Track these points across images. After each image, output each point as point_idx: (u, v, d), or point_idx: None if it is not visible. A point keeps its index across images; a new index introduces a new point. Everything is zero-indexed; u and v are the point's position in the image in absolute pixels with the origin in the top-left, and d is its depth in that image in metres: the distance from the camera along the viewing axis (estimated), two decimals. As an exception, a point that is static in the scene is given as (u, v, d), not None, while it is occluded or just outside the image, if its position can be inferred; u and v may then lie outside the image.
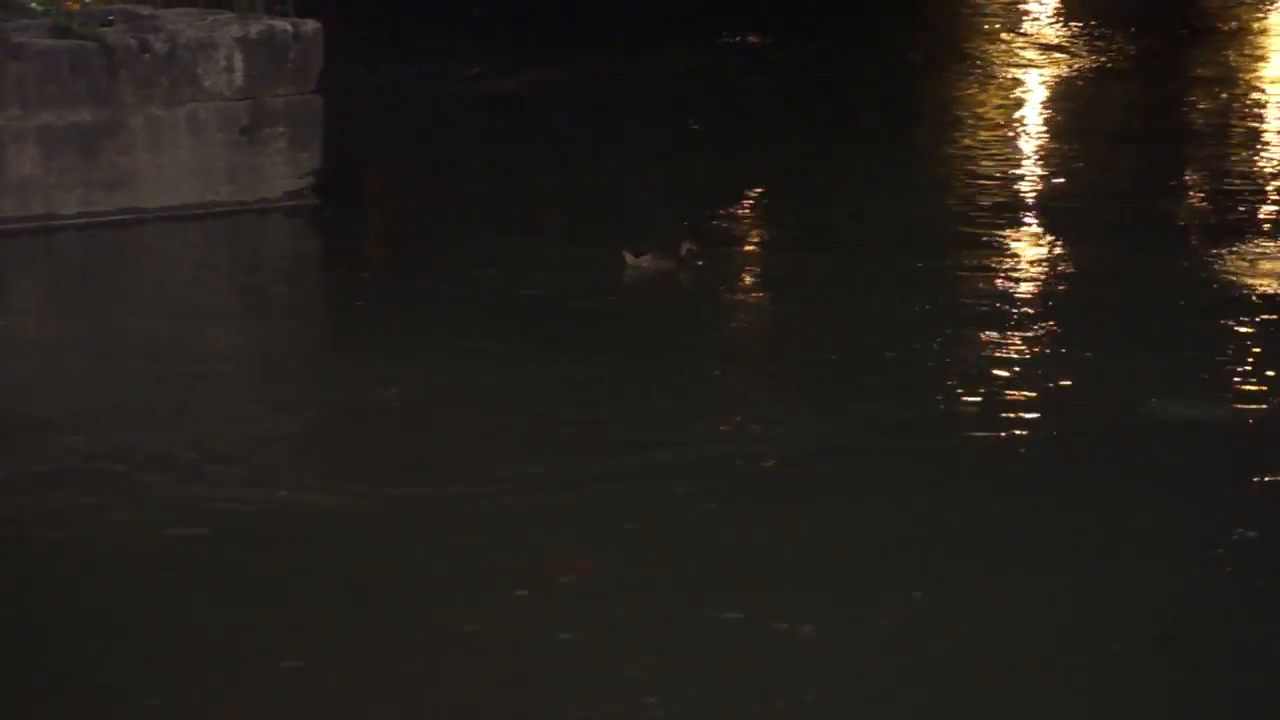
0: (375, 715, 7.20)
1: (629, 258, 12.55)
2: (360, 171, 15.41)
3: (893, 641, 7.72)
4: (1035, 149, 16.33)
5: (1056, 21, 23.40)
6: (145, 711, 7.22)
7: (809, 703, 7.31)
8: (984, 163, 15.59)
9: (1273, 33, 23.07)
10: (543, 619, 7.83)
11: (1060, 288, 12.31)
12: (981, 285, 12.28)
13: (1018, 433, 9.96)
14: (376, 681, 7.37)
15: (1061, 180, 15.28)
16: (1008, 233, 13.44)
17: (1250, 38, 22.78)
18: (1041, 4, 24.85)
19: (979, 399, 10.30)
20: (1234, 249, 13.18)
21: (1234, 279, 12.58)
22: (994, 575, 8.33)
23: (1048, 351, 11.05)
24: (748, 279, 12.85)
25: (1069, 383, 10.53)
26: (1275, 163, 15.85)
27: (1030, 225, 13.76)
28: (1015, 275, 12.59)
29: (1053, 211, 14.21)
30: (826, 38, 21.60)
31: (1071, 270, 12.75)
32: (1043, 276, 12.63)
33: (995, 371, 10.71)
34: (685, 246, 12.72)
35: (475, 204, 14.94)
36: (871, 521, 8.85)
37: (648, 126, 17.03)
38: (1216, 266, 12.86)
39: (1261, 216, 14.12)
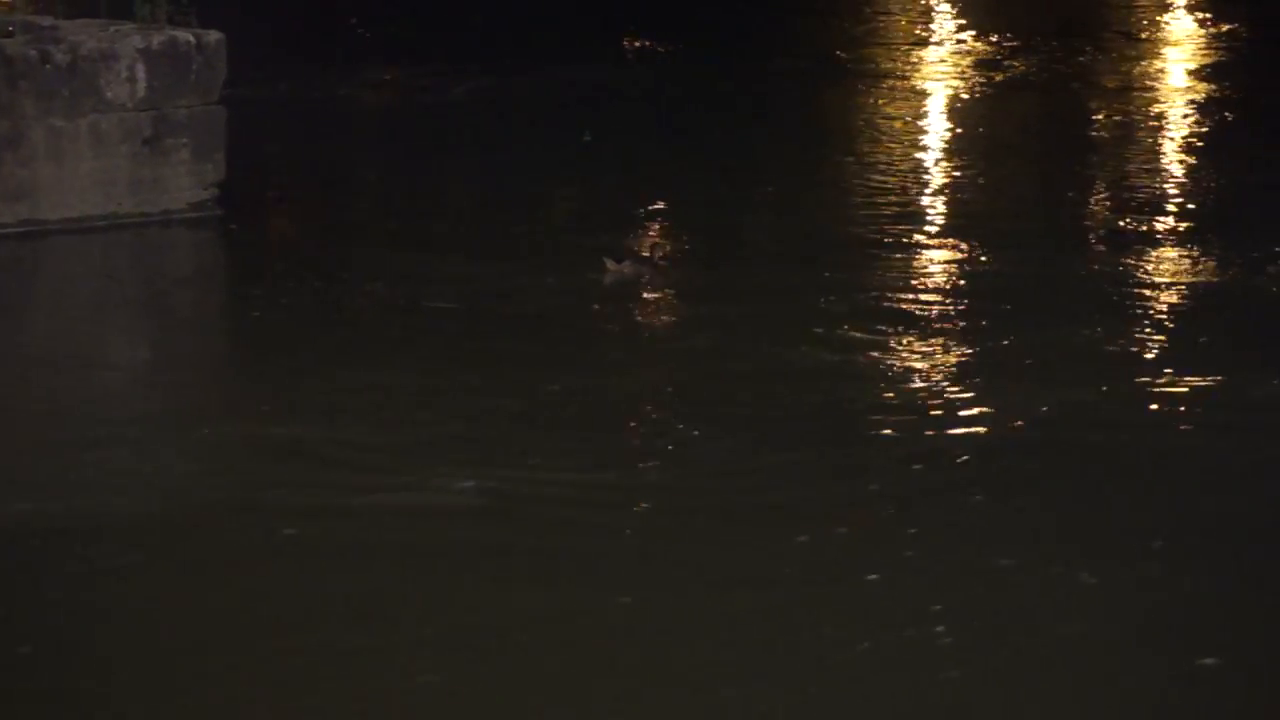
0: None
1: (609, 264, 12.73)
2: (266, 183, 15.34)
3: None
4: (940, 159, 16.46)
5: (962, 32, 23.68)
6: None
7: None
8: (889, 172, 15.70)
9: (1176, 42, 23.36)
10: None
11: (962, 295, 12.39)
12: (887, 293, 12.37)
13: (942, 436, 10.13)
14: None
15: (966, 190, 15.38)
16: (912, 241, 13.53)
17: (1154, 47, 23.06)
18: (948, 15, 25.16)
19: (892, 400, 10.45)
20: (1135, 256, 13.39)
21: (1133, 284, 12.73)
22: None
23: (952, 357, 11.20)
24: (657, 291, 12.88)
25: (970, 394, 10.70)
26: (1176, 173, 16.05)
27: (933, 234, 13.82)
28: (918, 283, 12.68)
29: (956, 220, 14.29)
30: (729, 47, 21.79)
31: (975, 278, 12.81)
32: (944, 284, 12.71)
33: (904, 374, 10.85)
34: (656, 250, 13.01)
35: (379, 217, 14.94)
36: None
37: (553, 138, 17.04)
38: (1117, 272, 13.03)
39: (1160, 225, 14.29)
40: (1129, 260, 13.24)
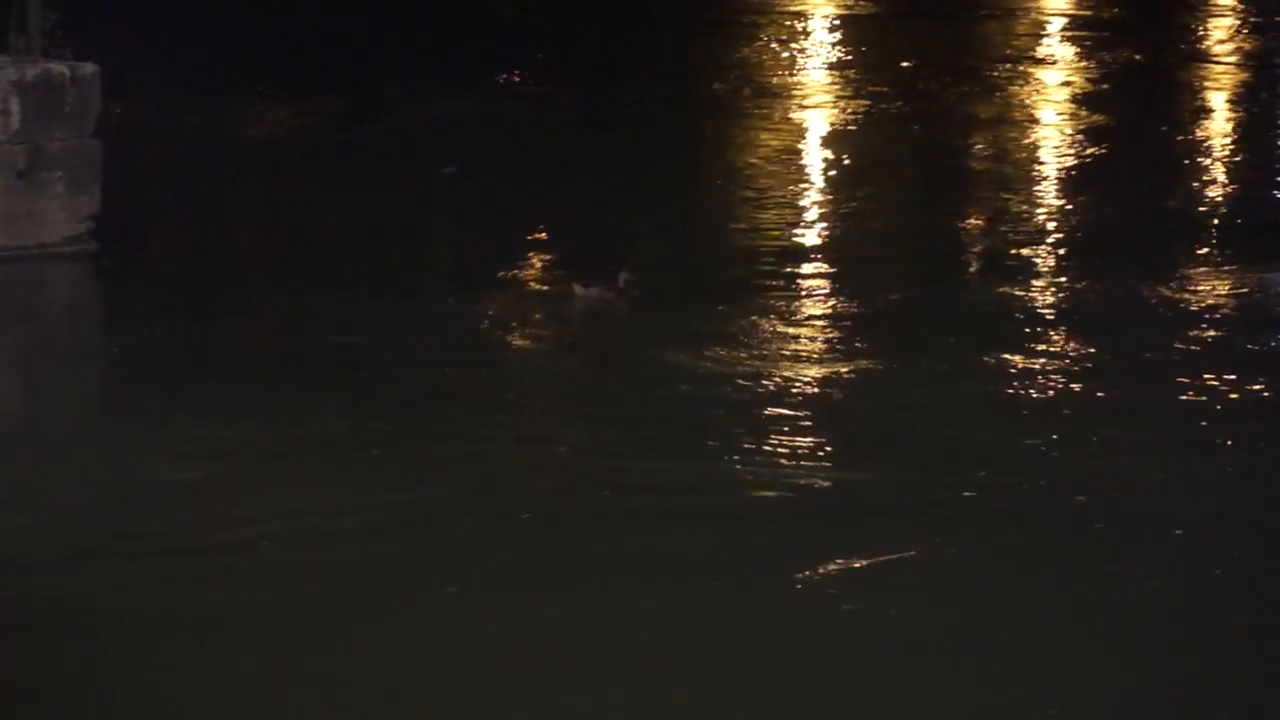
0: None
1: (578, 289, 12.83)
2: (143, 216, 15.17)
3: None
4: (819, 188, 16.54)
5: (839, 63, 23.87)
6: None
7: None
8: (766, 203, 15.75)
9: (1050, 71, 23.61)
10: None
11: (841, 328, 12.47)
12: (765, 328, 12.39)
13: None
14: None
15: (844, 220, 15.46)
16: (790, 276, 13.58)
17: (1029, 76, 23.31)
18: (827, 45, 25.33)
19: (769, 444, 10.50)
20: (1014, 285, 13.54)
21: (1014, 311, 12.89)
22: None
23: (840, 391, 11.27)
24: (536, 326, 12.86)
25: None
26: (1053, 202, 16.19)
27: (812, 268, 13.89)
28: (796, 318, 12.71)
29: (835, 253, 14.36)
30: (602, 80, 21.85)
31: (854, 311, 12.88)
32: (826, 313, 12.81)
33: (781, 413, 10.91)
34: (623, 277, 13.00)
35: (258, 251, 14.88)
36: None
37: (429, 169, 16.98)
38: (995, 301, 13.17)
39: (1039, 254, 14.43)
40: (1007, 289, 13.44)
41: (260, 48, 24.48)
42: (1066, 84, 22.77)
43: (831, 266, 13.81)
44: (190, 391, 11.10)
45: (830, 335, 12.22)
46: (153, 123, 17.77)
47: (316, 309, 12.62)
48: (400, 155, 17.75)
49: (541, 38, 25.36)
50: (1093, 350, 12.01)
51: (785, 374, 11.49)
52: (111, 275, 13.58)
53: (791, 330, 12.29)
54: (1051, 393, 11.26)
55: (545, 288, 13.31)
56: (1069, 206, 15.91)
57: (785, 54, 24.62)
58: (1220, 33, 29.05)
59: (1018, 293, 13.27)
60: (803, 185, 16.65)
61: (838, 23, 28.64)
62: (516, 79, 22.16)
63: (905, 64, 24.03)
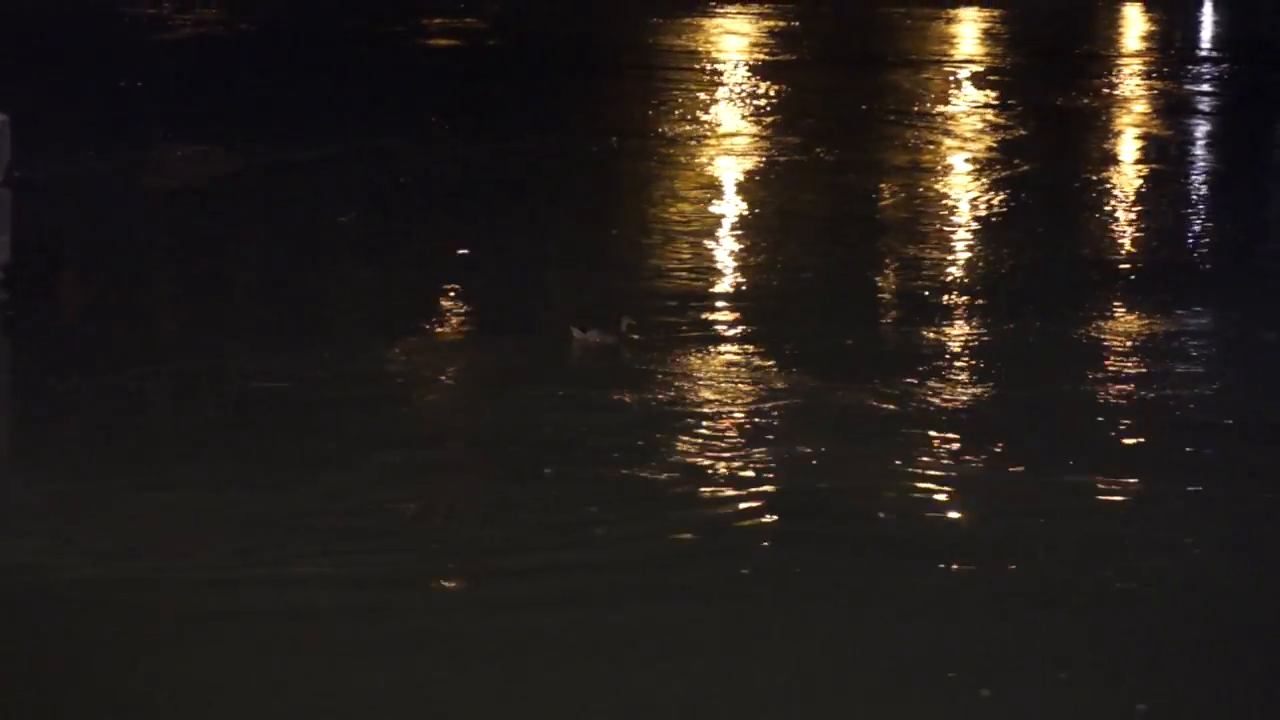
0: None
1: (575, 332, 12.78)
2: (54, 265, 15.05)
3: None
4: (732, 239, 16.56)
5: (756, 110, 23.98)
6: None
7: None
8: (680, 252, 15.74)
9: (963, 119, 23.79)
10: None
11: (748, 380, 12.48)
12: (674, 372, 12.36)
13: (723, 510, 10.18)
14: None
15: (752, 268, 15.51)
16: (704, 322, 13.54)
17: (942, 124, 23.50)
18: (741, 94, 25.44)
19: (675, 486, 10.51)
20: (926, 326, 13.62)
21: (926, 352, 12.92)
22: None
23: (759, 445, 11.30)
24: (450, 370, 12.82)
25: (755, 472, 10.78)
26: (962, 248, 16.27)
27: (725, 314, 13.88)
28: (700, 372, 12.67)
29: (747, 299, 14.36)
30: (513, 127, 21.87)
31: (760, 358, 12.84)
32: (736, 362, 12.77)
33: (689, 461, 10.92)
34: (625, 322, 12.96)
35: (167, 301, 14.73)
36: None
37: (335, 218, 16.88)
38: (907, 342, 13.24)
39: (950, 299, 14.52)
40: (924, 331, 13.51)
41: (169, 98, 24.46)
42: (978, 132, 23.10)
43: (743, 312, 13.80)
44: (105, 442, 10.98)
45: (743, 379, 12.23)
46: (63, 172, 17.73)
47: (219, 360, 12.49)
48: (306, 203, 17.68)
49: (451, 86, 25.46)
50: (998, 389, 12.10)
51: (711, 411, 11.53)
52: (18, 326, 13.36)
53: (709, 371, 12.31)
54: (953, 426, 11.36)
55: (457, 334, 13.31)
56: (981, 252, 16.00)
57: (703, 102, 24.79)
58: (1129, 81, 29.54)
59: (930, 334, 13.36)
60: (717, 233, 16.62)
61: (755, 70, 28.88)
62: (431, 123, 22.29)
63: (821, 111, 24.27)
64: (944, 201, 18.24)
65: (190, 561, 9.29)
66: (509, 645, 8.63)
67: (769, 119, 23.15)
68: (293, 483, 10.20)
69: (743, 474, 10.50)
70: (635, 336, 12.86)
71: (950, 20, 39.58)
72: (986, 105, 25.02)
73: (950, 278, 15.02)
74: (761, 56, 30.46)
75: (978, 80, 27.67)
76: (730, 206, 17.82)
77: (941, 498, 10.29)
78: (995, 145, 21.64)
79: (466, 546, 9.58)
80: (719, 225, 16.93)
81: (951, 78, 27.86)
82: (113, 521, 9.71)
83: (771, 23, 37.27)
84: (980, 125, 23.21)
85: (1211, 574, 9.48)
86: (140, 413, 11.61)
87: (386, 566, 9.28)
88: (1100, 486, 10.58)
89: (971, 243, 16.30)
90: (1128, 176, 19.85)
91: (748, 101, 24.59)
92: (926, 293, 14.52)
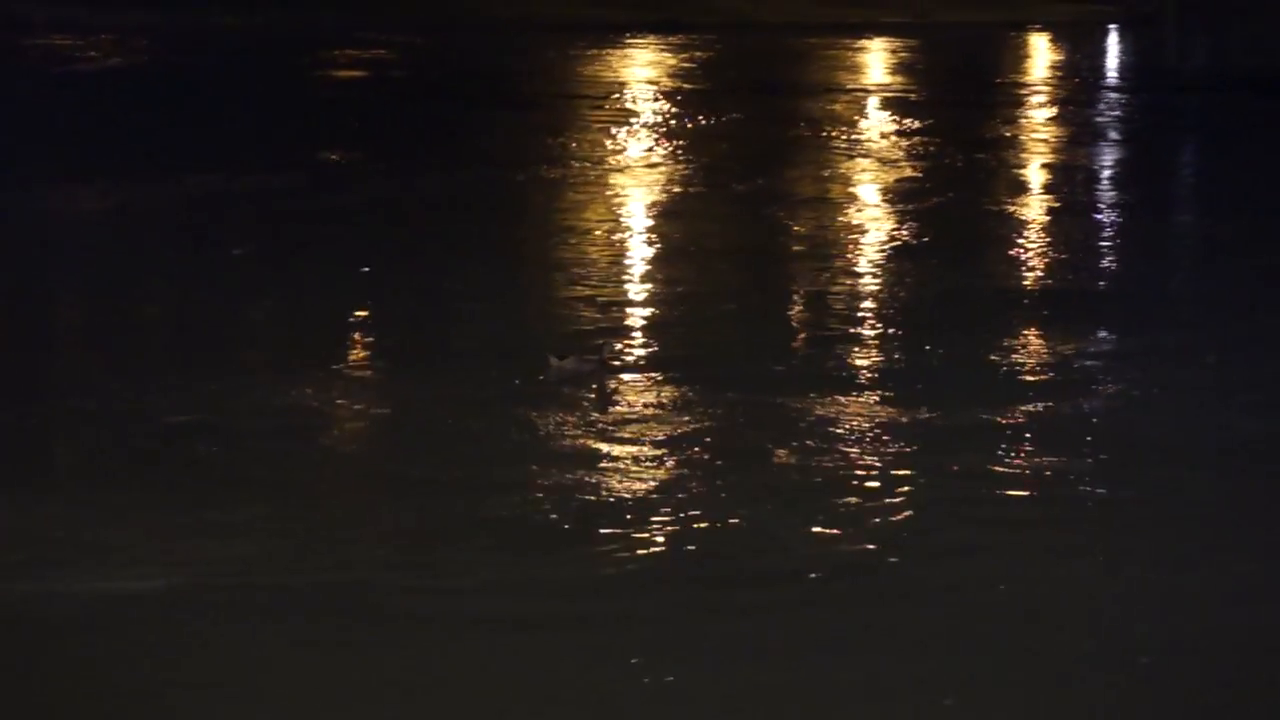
0: None
1: (552, 360, 12.64)
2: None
3: None
4: (643, 273, 16.49)
5: (668, 141, 24.05)
6: None
7: None
8: (589, 285, 15.63)
9: (876, 148, 23.95)
10: None
11: (659, 411, 12.47)
12: (585, 406, 12.28)
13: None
14: None
15: (666, 299, 15.50)
16: (615, 353, 13.49)
17: (851, 154, 23.62)
18: (652, 124, 25.52)
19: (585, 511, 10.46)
20: (835, 355, 13.65)
21: (837, 380, 12.86)
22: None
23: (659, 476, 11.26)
24: (360, 404, 12.75)
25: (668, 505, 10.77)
26: (878, 280, 16.30)
27: (638, 349, 13.81)
28: (622, 403, 12.62)
29: (658, 331, 14.33)
30: (420, 160, 21.83)
31: (671, 393, 12.78)
32: (642, 399, 12.76)
33: (590, 482, 10.89)
34: (607, 349, 12.95)
35: (74, 335, 14.55)
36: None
37: (242, 249, 16.77)
38: (820, 370, 13.18)
39: (858, 331, 14.57)
40: (827, 360, 13.56)
41: (72, 129, 24.33)
42: (892, 161, 23.11)
43: (664, 344, 13.80)
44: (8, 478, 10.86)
45: (666, 409, 12.21)
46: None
47: (143, 391, 12.33)
48: (199, 236, 17.52)
49: (359, 118, 25.42)
50: (907, 416, 12.17)
51: (627, 446, 11.47)
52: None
53: (630, 402, 12.30)
54: (866, 454, 11.42)
55: (364, 367, 13.24)
56: (898, 279, 16.03)
57: (618, 133, 24.77)
58: (1040, 110, 29.77)
59: (840, 363, 13.41)
60: (634, 265, 16.61)
61: (672, 100, 28.96)
62: (334, 158, 22.19)
63: (737, 141, 24.35)
64: (859, 231, 18.26)
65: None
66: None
67: (685, 149, 23.11)
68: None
69: (662, 508, 10.53)
70: (615, 363, 12.79)
71: (862, 50, 39.94)
72: (899, 134, 25.18)
73: (868, 305, 15.03)
74: (678, 86, 30.55)
75: (891, 109, 27.85)
76: (647, 238, 17.76)
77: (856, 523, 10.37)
78: (909, 174, 21.68)
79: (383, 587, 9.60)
80: (636, 257, 16.91)
81: (865, 107, 28.06)
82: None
83: (688, 53, 37.43)
84: (894, 154, 23.29)
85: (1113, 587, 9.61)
86: (42, 447, 11.47)
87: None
88: (1007, 496, 10.72)
89: (887, 271, 16.31)
90: (1040, 204, 19.96)
91: (664, 132, 24.59)
92: (847, 320, 14.54)
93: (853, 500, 10.57)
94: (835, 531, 10.22)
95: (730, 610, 9.29)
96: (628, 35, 41.70)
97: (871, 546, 10.02)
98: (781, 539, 10.12)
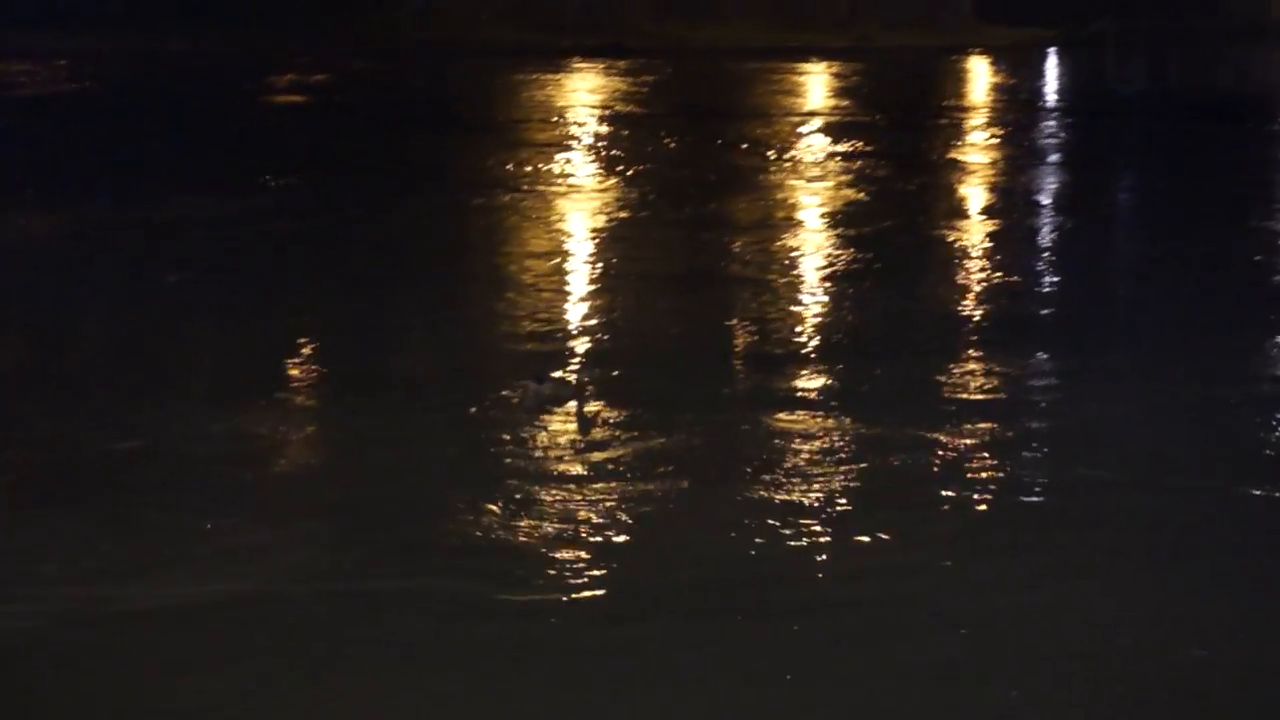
0: None
1: (531, 386, 12.54)
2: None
3: None
4: (584, 298, 16.39)
5: (606, 166, 24.10)
6: None
7: None
8: (533, 312, 15.58)
9: (817, 172, 24.07)
10: None
11: (615, 433, 12.47)
12: (530, 434, 12.21)
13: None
14: None
15: (613, 324, 15.40)
16: (559, 381, 13.44)
17: (791, 178, 23.79)
18: (591, 148, 25.57)
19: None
20: (777, 378, 13.63)
21: (780, 401, 12.88)
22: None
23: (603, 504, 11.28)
24: (303, 430, 12.68)
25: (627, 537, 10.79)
26: (820, 304, 16.35)
27: (584, 374, 13.80)
28: (554, 426, 12.64)
29: (607, 356, 14.25)
30: (368, 180, 21.86)
31: (624, 415, 12.69)
32: (597, 422, 12.71)
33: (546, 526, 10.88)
34: (581, 372, 13.03)
35: (8, 365, 14.65)
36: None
37: (181, 275, 16.71)
38: (761, 394, 13.14)
39: (797, 351, 14.63)
40: (773, 384, 13.57)
41: (13, 154, 24.23)
42: (833, 185, 23.17)
43: (607, 369, 13.73)
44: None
45: (609, 434, 12.17)
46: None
47: (80, 418, 12.24)
48: (134, 264, 17.49)
49: (303, 143, 25.38)
50: (865, 435, 12.21)
51: (566, 469, 11.41)
52: None
53: (568, 431, 12.26)
54: (803, 478, 11.46)
55: (304, 395, 13.15)
56: (840, 303, 16.06)
57: (560, 158, 24.78)
58: (981, 132, 29.91)
59: (790, 385, 13.46)
60: (567, 291, 16.59)
61: (614, 125, 29.04)
62: (278, 183, 22.17)
63: (678, 166, 24.37)
64: (801, 255, 18.29)
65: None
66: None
67: (627, 174, 23.18)
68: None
69: (627, 531, 10.54)
70: (592, 388, 12.79)
71: (805, 74, 40.12)
72: (843, 157, 25.36)
73: (817, 328, 15.06)
74: (624, 110, 30.63)
75: (832, 133, 28.00)
76: (595, 262, 17.80)
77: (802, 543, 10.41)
78: (850, 198, 21.79)
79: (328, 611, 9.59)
80: (577, 283, 16.86)
81: (805, 130, 28.19)
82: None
83: (633, 77, 37.57)
84: (835, 178, 23.49)
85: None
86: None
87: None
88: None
89: (829, 295, 16.34)
90: (983, 227, 20.09)
91: (605, 157, 24.67)
92: (775, 347, 14.65)
93: (825, 523, 10.63)
94: (815, 557, 10.28)
95: (708, 636, 9.30)
96: (574, 60, 41.89)
97: (850, 569, 10.08)
98: (753, 563, 10.15)
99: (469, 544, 10.30)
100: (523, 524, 10.59)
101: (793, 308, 16.12)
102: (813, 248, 18.84)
